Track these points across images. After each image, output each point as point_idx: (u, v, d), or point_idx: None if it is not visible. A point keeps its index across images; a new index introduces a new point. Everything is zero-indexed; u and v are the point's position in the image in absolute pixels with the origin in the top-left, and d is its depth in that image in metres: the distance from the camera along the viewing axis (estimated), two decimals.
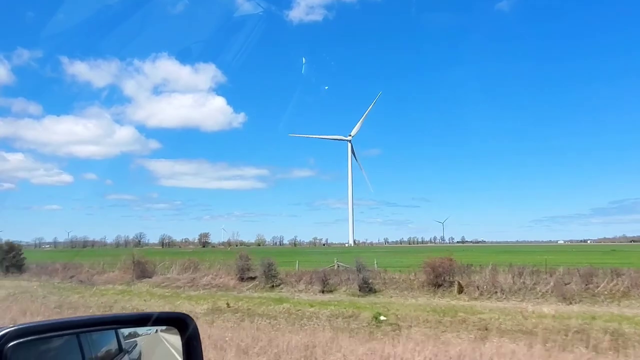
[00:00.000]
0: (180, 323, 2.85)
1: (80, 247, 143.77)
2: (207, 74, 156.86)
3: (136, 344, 3.19)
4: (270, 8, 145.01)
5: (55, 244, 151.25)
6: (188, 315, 2.89)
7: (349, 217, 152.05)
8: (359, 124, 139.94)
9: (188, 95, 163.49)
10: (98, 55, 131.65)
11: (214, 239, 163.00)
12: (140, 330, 3.09)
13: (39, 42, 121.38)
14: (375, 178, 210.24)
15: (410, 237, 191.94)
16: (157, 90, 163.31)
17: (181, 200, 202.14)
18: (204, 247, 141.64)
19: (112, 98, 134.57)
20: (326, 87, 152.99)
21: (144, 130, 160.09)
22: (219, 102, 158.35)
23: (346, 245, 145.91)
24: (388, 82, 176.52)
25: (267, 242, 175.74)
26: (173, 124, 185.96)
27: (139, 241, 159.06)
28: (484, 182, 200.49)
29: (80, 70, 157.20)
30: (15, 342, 2.22)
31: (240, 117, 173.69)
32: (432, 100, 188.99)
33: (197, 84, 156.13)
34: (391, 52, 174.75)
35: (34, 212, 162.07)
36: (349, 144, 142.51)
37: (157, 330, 3.08)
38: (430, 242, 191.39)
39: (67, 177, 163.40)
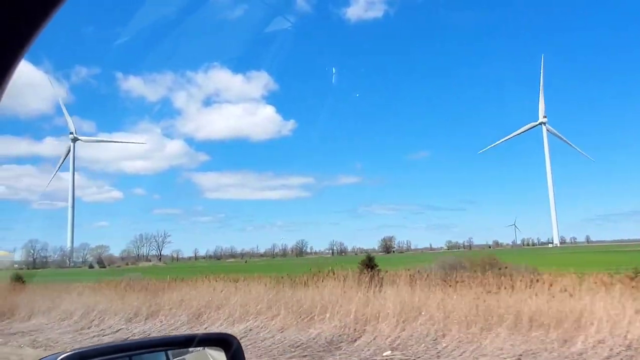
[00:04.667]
0: (224, 342, 2.98)
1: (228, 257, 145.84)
2: (259, 82, 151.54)
3: None
4: (327, 7, 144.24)
5: (212, 256, 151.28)
6: (231, 335, 3.03)
7: (552, 212, 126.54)
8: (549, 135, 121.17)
9: (239, 105, 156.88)
10: (152, 68, 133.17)
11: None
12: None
13: (96, 59, 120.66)
14: (419, 182, 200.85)
15: (451, 241, 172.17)
16: (209, 101, 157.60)
17: (225, 213, 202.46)
18: (388, 253, 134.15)
19: (163, 111, 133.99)
20: (357, 95, 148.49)
21: (193, 143, 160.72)
22: (269, 110, 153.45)
23: (550, 245, 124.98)
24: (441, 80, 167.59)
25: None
26: (222, 135, 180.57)
27: (301, 250, 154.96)
28: (530, 182, 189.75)
29: (134, 85, 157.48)
30: None
31: (290, 125, 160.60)
32: (473, 100, 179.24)
33: (249, 92, 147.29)
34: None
35: (85, 229, 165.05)
36: (543, 127, 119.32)
37: (204, 347, 3.27)
38: (497, 244, 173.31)
39: (117, 194, 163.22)
